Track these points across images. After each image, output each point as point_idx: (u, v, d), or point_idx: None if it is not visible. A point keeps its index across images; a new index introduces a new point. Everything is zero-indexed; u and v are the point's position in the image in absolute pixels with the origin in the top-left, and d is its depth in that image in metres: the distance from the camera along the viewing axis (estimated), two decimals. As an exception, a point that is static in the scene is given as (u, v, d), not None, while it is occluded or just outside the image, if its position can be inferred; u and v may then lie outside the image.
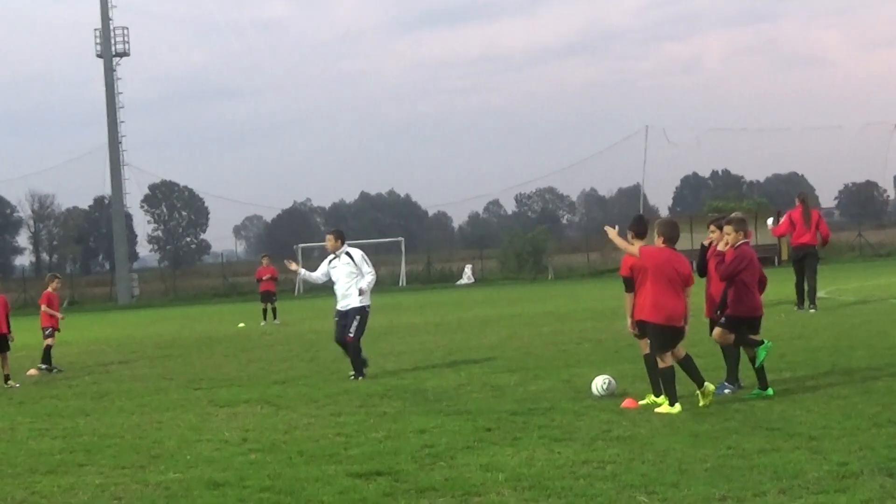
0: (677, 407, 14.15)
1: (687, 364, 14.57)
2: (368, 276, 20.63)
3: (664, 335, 14.51)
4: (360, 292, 20.42)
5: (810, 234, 30.16)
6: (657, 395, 15.02)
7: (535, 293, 55.65)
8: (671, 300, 14.49)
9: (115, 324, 50.35)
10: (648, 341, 15.21)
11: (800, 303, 30.16)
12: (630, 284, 15.62)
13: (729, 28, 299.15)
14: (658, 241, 14.91)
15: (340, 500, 10.36)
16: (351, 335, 20.38)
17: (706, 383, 14.47)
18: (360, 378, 19.89)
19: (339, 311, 20.70)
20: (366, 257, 20.83)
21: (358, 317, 20.51)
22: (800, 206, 30.46)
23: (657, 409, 14.31)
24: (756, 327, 15.65)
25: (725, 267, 15.38)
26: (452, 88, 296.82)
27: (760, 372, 15.29)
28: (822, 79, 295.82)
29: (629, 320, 15.76)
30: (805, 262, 30.26)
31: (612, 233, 15.01)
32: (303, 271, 21.57)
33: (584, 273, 79.50)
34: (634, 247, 14.89)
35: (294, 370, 22.43)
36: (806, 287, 30.03)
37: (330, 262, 20.80)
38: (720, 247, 15.69)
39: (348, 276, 20.54)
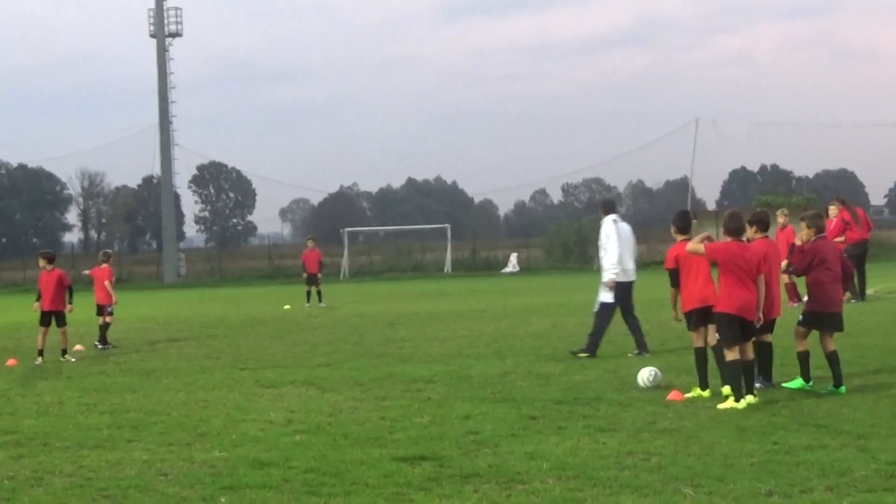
0: (743, 402, 13.98)
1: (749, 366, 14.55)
2: (605, 256, 20.66)
3: (734, 326, 14.40)
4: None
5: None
6: (703, 388, 14.98)
7: (581, 283, 55.47)
8: (742, 291, 14.38)
9: (161, 302, 50.62)
10: (697, 334, 15.20)
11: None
12: (675, 278, 15.61)
13: (782, 20, 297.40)
14: (722, 234, 14.89)
15: (385, 483, 10.39)
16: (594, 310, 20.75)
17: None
18: (643, 354, 20.17)
19: None
20: (609, 233, 20.58)
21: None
22: (843, 209, 31.22)
23: (720, 405, 14.06)
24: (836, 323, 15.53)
25: (797, 263, 15.35)
26: (502, 76, 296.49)
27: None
28: (876, 74, 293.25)
29: (674, 312, 15.89)
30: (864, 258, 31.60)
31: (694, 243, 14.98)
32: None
33: (629, 265, 79.13)
34: (701, 245, 14.76)
35: (339, 353, 22.50)
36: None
37: None
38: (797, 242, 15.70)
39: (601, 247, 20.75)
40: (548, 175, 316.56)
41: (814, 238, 15.48)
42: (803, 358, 15.14)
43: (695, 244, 14.84)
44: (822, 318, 15.29)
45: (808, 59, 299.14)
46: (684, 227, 15.98)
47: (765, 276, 14.71)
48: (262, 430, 13.57)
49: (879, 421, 12.67)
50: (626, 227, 20.71)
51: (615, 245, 20.33)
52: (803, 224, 15.68)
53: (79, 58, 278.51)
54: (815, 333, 15.33)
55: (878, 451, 11.00)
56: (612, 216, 20.71)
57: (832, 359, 15.16)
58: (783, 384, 15.09)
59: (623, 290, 20.54)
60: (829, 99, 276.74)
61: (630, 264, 20.58)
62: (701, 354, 15.22)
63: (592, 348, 20.22)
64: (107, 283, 26.73)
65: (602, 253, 20.60)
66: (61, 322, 23.71)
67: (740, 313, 14.36)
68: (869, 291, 32.22)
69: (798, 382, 15.02)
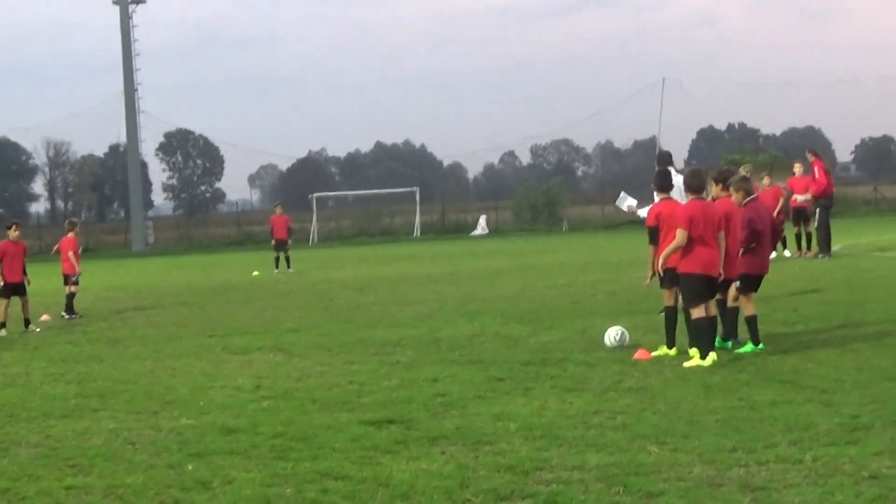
0: (709, 360, 14.03)
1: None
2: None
3: (699, 285, 14.43)
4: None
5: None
6: (669, 347, 15.03)
7: (550, 245, 55.61)
8: (705, 250, 14.40)
9: (130, 271, 50.47)
10: (669, 293, 15.18)
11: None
12: (655, 236, 15.52)
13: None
14: (685, 192, 14.85)
15: (352, 447, 10.41)
16: None
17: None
18: None
19: None
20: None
21: None
22: (817, 159, 31.66)
23: (686, 364, 14.08)
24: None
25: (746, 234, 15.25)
26: (469, 39, 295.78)
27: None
28: (840, 32, 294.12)
29: (650, 272, 15.74)
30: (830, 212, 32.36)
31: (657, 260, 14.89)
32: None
33: (598, 225, 79.33)
34: (680, 238, 14.60)
35: (307, 318, 22.49)
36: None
37: None
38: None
39: None
40: (517, 137, 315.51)
41: (745, 202, 15.52)
42: (752, 322, 15.16)
43: (672, 247, 14.63)
44: (756, 281, 15.40)
45: (774, 18, 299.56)
46: (664, 185, 15.95)
47: (726, 235, 14.75)
48: (230, 397, 13.58)
49: (843, 375, 12.76)
50: (680, 181, 20.61)
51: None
52: (732, 189, 15.68)
53: (42, 26, 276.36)
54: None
55: (841, 405, 11.09)
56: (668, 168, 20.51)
57: (746, 319, 15.30)
58: (735, 351, 15.07)
59: None
60: (794, 57, 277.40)
61: None
62: (671, 313, 15.24)
63: None
64: (70, 253, 26.62)
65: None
66: (23, 292, 23.64)
67: (705, 271, 14.40)
68: (835, 248, 32.41)
69: (749, 347, 15.03)
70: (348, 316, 22.51)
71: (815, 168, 31.87)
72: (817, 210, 31.62)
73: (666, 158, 20.43)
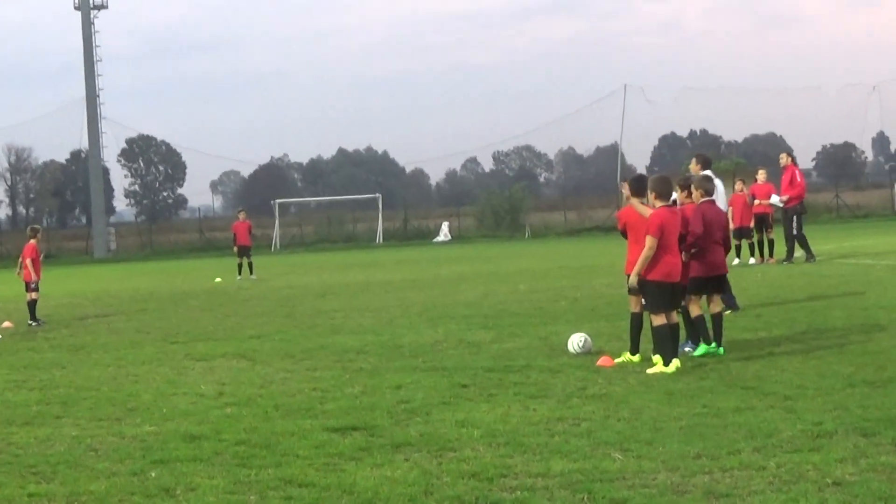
0: (672, 366, 14.01)
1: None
2: None
3: (663, 293, 14.43)
4: None
5: None
6: (633, 354, 15.01)
7: (512, 251, 55.67)
8: (669, 257, 14.38)
9: (91, 277, 50.21)
10: (635, 300, 15.12)
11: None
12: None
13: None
14: (651, 198, 14.82)
15: (316, 454, 10.37)
16: None
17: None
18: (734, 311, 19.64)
19: None
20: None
21: None
22: (792, 164, 32.29)
23: (650, 370, 14.03)
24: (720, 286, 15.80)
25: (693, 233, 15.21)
26: (431, 45, 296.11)
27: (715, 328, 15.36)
28: (801, 39, 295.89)
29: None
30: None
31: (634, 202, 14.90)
32: None
33: (560, 231, 79.53)
34: (648, 246, 14.53)
35: (270, 325, 22.43)
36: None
37: None
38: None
39: None
40: (479, 143, 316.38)
41: (701, 201, 15.57)
42: (700, 323, 15.19)
43: (643, 256, 14.55)
44: (708, 283, 15.44)
45: (734, 25, 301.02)
46: (638, 190, 15.70)
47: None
48: (193, 404, 13.51)
49: (806, 382, 12.79)
50: (718, 184, 20.31)
51: None
52: (693, 186, 15.72)
53: (2, 31, 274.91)
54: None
55: (804, 412, 11.11)
56: (707, 172, 20.26)
57: (717, 320, 15.39)
58: (692, 354, 15.08)
59: None
60: (755, 64, 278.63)
61: None
62: (636, 319, 15.20)
63: (731, 302, 19.83)
64: (28, 260, 26.44)
65: None
66: None
67: (668, 279, 14.40)
68: (797, 254, 32.56)
69: (703, 348, 15.05)
70: (311, 322, 22.46)
71: (795, 172, 32.25)
72: (794, 216, 32.02)
73: (705, 162, 20.03)
